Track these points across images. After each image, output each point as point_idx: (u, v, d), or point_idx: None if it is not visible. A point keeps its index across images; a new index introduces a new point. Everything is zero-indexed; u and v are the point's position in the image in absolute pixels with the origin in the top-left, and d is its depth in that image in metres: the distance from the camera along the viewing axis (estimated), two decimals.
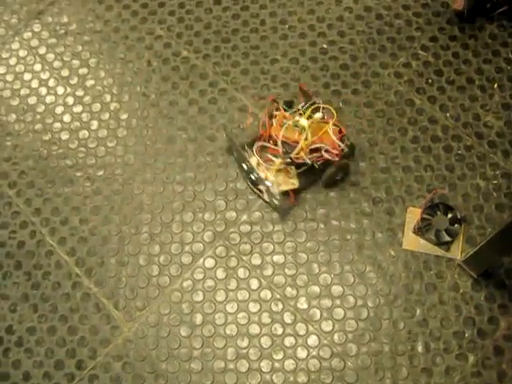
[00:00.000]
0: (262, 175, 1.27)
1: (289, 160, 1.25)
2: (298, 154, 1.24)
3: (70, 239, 1.33)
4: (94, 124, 1.42)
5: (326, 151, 1.25)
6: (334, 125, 1.26)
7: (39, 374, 1.24)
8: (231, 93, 1.41)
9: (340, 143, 1.25)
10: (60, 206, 1.35)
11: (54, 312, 1.28)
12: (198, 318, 1.24)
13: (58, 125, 1.43)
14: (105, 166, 1.38)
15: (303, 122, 1.26)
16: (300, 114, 1.28)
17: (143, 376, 1.22)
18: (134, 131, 1.40)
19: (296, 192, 1.28)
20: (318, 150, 1.26)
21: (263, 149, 1.29)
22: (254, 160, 1.28)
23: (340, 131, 1.27)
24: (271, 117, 1.29)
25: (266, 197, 1.29)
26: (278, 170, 1.28)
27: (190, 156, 1.36)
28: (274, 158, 1.28)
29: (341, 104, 1.37)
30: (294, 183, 1.28)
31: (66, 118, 1.43)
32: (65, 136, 1.41)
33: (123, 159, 1.38)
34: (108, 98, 1.44)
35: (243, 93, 1.40)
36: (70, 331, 1.26)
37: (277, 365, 1.20)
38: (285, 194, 1.28)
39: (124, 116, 1.41)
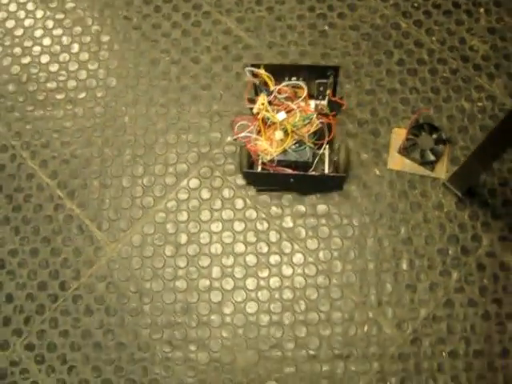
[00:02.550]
0: None
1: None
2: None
3: (52, 162, 1.30)
4: (75, 47, 1.38)
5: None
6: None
7: (22, 295, 1.23)
8: (215, 16, 1.38)
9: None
10: (41, 130, 1.33)
11: (36, 234, 1.27)
12: (183, 238, 1.24)
13: (37, 48, 1.39)
14: (86, 89, 1.35)
15: (280, 116, 1.18)
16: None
17: (127, 295, 1.21)
18: (116, 54, 1.37)
19: None
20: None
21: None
22: None
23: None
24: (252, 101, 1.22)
25: None
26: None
27: (173, 78, 1.34)
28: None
29: (326, 27, 1.35)
30: None
31: (46, 41, 1.39)
32: (45, 59, 1.38)
33: (105, 82, 1.35)
34: (89, 21, 1.40)
35: (227, 16, 1.38)
36: (53, 253, 1.25)
37: (262, 283, 1.20)
38: None
39: (105, 39, 1.38)
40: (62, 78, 1.36)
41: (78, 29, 1.39)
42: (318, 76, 1.18)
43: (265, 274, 1.21)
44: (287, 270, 1.21)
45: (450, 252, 1.21)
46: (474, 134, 1.27)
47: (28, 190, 1.29)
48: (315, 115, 1.18)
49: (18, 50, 1.39)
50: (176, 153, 1.29)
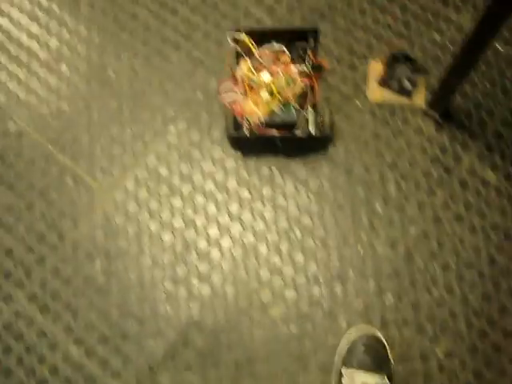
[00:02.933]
0: None
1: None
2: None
3: (40, 119, 1.32)
4: (55, 8, 1.41)
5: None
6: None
7: (21, 248, 1.25)
8: None
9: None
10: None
11: (30, 189, 1.28)
12: (176, 179, 1.27)
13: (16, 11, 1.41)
14: (69, 46, 1.37)
15: (265, 77, 1.22)
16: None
17: (127, 238, 1.24)
18: (96, 13, 1.40)
19: None
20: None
21: None
22: None
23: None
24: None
25: None
26: None
27: (154, 30, 1.38)
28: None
29: None
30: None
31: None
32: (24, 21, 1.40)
33: (87, 38, 1.38)
34: None
35: None
36: (49, 206, 1.27)
37: (257, 215, 1.25)
38: None
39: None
40: (43, 38, 1.38)
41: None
42: (299, 39, 1.24)
43: (259, 206, 1.25)
44: (281, 200, 1.25)
45: (433, 173, 1.27)
46: (447, 63, 1.31)
47: (19, 148, 1.31)
48: (298, 77, 1.22)
49: None
50: (164, 97, 1.32)
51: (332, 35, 1.35)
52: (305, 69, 1.24)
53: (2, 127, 1.32)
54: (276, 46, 1.24)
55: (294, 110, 1.22)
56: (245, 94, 1.22)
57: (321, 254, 1.22)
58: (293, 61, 1.25)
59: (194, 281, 1.21)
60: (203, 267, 1.22)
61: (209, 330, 1.19)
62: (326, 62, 1.27)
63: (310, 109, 1.23)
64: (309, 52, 1.24)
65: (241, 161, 1.28)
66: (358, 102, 1.31)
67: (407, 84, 1.30)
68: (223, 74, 1.29)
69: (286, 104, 1.22)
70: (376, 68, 1.32)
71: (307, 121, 1.23)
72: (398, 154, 1.28)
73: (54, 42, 1.37)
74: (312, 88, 1.24)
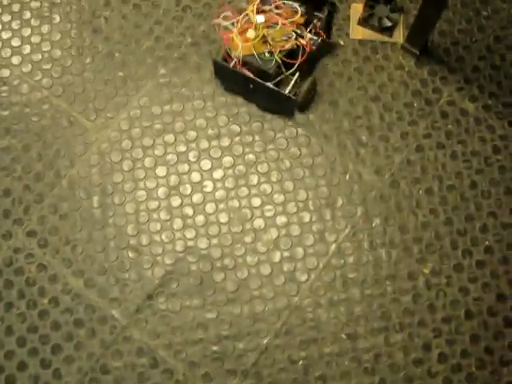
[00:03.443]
0: None
1: None
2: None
3: (35, 65, 1.37)
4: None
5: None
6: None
7: (19, 187, 1.29)
8: None
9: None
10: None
11: (26, 132, 1.32)
12: (175, 107, 1.32)
13: None
14: None
15: (258, 18, 1.24)
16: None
17: (122, 174, 1.28)
18: None
19: None
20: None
21: None
22: None
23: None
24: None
25: None
26: None
27: None
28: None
29: None
30: None
31: None
32: None
33: None
34: None
35: None
36: (45, 147, 1.31)
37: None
38: None
39: None
40: None
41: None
42: (316, 8, 1.28)
43: (249, 139, 1.30)
44: (270, 133, 1.30)
45: (415, 104, 1.32)
46: None
47: (14, 92, 1.35)
48: (294, 35, 1.25)
49: None
50: (153, 42, 1.37)
51: None
52: (310, 35, 1.28)
53: None
54: (292, 3, 1.27)
55: (274, 63, 1.25)
56: (238, 26, 1.26)
57: (310, 182, 1.27)
58: (306, 25, 1.28)
59: (188, 211, 1.26)
60: (196, 198, 1.26)
61: (204, 256, 1.23)
62: (324, 35, 1.30)
63: (293, 73, 1.27)
64: (315, 22, 1.29)
65: (230, 99, 1.33)
66: (340, 41, 1.37)
67: (387, 22, 1.36)
68: (210, 19, 1.35)
69: (271, 53, 1.26)
70: (357, 8, 1.38)
71: (282, 79, 1.27)
72: (380, 88, 1.33)
73: None
74: (304, 51, 1.27)
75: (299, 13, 1.26)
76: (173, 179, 1.28)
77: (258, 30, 1.25)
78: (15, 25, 1.40)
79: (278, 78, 1.26)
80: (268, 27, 1.24)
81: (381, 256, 1.23)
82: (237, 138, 1.30)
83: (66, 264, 1.24)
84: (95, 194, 1.27)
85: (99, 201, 1.27)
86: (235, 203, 1.26)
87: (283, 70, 1.26)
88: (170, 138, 1.30)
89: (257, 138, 1.30)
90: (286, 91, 1.26)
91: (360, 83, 1.34)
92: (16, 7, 1.41)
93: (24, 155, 1.31)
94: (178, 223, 1.25)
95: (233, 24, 1.26)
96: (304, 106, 1.31)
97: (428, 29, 1.29)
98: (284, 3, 1.27)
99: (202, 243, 1.24)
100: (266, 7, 1.26)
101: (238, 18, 1.26)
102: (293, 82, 1.27)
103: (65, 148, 1.31)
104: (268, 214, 1.25)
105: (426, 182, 1.27)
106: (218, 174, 1.28)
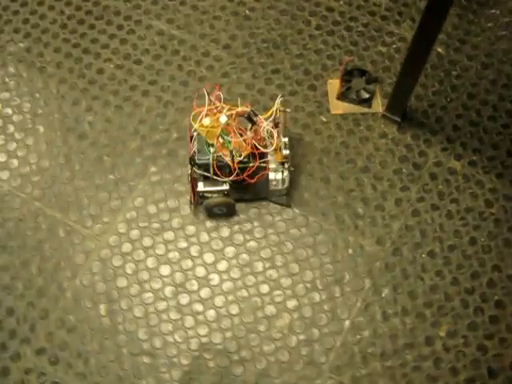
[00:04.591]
0: None
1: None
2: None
3: (26, 179, 1.36)
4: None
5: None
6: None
7: (22, 305, 1.26)
8: (147, 22, 1.52)
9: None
10: None
11: (23, 247, 1.30)
12: (171, 204, 1.32)
13: None
14: (44, 108, 1.43)
15: (222, 118, 1.21)
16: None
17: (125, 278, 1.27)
18: (61, 72, 1.47)
19: None
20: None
21: None
22: None
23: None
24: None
25: None
26: None
27: (122, 81, 1.45)
28: None
29: (247, 11, 1.51)
30: None
31: None
32: None
33: (59, 95, 1.44)
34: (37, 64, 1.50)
35: (158, 20, 1.52)
36: (44, 260, 1.29)
37: (248, 237, 1.30)
38: None
39: (49, 58, 1.48)
40: (15, 103, 1.44)
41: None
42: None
43: (249, 226, 1.31)
44: (268, 218, 1.31)
45: (404, 170, 1.35)
46: (396, 71, 1.44)
47: (6, 208, 1.34)
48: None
49: None
50: (140, 140, 1.38)
51: (288, 62, 1.45)
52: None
53: None
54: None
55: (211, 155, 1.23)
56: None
57: (314, 262, 1.28)
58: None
59: (198, 307, 1.25)
60: (204, 293, 1.26)
61: (220, 351, 1.22)
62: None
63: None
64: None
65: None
66: (322, 118, 1.40)
67: (364, 94, 1.40)
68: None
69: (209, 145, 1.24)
70: (334, 85, 1.42)
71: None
72: (368, 159, 1.36)
73: (26, 105, 1.43)
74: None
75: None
76: (178, 277, 1.27)
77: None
78: None
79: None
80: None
81: (395, 325, 1.23)
82: (236, 227, 1.30)
83: (81, 378, 1.21)
84: (101, 302, 1.25)
85: (106, 308, 1.25)
86: (244, 293, 1.26)
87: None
88: (169, 235, 1.30)
89: (256, 223, 1.31)
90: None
91: (348, 156, 1.36)
92: None
93: (24, 271, 1.29)
94: (189, 321, 1.24)
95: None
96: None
97: (406, 96, 1.34)
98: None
99: (216, 338, 1.22)
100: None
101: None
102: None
103: (64, 259, 1.29)
104: (278, 299, 1.25)
105: (426, 245, 1.29)
106: (222, 265, 1.28)
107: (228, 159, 1.23)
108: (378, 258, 1.28)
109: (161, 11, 1.52)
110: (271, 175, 1.29)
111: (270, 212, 1.32)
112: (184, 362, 1.21)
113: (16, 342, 1.24)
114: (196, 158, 1.25)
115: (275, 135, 1.25)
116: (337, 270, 1.27)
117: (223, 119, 1.19)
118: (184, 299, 1.25)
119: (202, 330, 1.23)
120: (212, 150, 1.23)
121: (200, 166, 1.25)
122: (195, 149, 1.25)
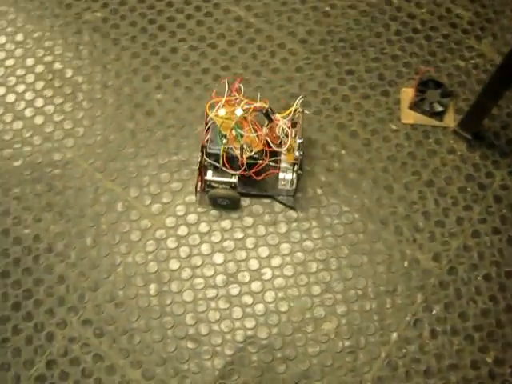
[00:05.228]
0: None
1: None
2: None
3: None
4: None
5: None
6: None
7: (73, 274, 1.27)
8: (224, 6, 1.50)
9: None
10: None
11: (80, 217, 1.31)
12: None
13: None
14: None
15: (238, 111, 1.20)
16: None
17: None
18: (136, 46, 1.46)
19: None
20: None
21: None
22: None
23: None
24: None
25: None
26: None
27: (194, 63, 1.44)
28: None
29: (327, 8, 1.50)
30: None
31: None
32: None
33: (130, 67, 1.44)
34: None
35: (237, 5, 1.50)
36: (99, 233, 1.30)
37: (304, 235, 1.29)
38: None
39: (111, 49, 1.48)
40: (87, 71, 1.44)
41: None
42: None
43: (307, 225, 1.30)
44: (327, 220, 1.30)
45: (468, 189, 1.33)
46: (472, 87, 1.42)
47: (67, 177, 1.34)
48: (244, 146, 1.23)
49: None
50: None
51: (363, 64, 1.43)
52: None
53: (49, 158, 1.36)
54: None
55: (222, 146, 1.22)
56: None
57: (368, 269, 1.27)
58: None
59: (247, 299, 1.24)
60: (255, 286, 1.25)
61: (264, 346, 1.21)
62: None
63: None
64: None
65: None
66: (392, 125, 1.38)
67: (438, 107, 1.38)
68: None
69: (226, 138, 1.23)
70: (407, 93, 1.40)
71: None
72: (433, 172, 1.34)
73: (97, 75, 1.43)
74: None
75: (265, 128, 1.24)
76: (230, 266, 1.27)
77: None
78: (68, 107, 1.40)
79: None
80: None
81: (443, 344, 1.22)
82: (294, 224, 1.30)
83: (124, 354, 1.21)
84: (152, 281, 1.26)
85: (156, 289, 1.25)
86: (295, 291, 1.25)
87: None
88: (226, 223, 1.30)
89: (314, 223, 1.30)
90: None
91: (414, 168, 1.35)
92: (68, 89, 1.42)
93: (78, 241, 1.29)
94: (237, 312, 1.24)
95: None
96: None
97: (483, 116, 1.31)
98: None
99: (263, 333, 1.22)
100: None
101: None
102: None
103: (120, 234, 1.30)
104: (328, 302, 1.24)
105: (483, 268, 1.27)
106: (276, 261, 1.27)
107: (238, 152, 1.23)
108: (432, 274, 1.26)
109: None
110: (281, 175, 1.29)
111: (329, 213, 1.31)
112: (227, 352, 1.21)
113: (63, 310, 1.25)
114: (208, 146, 1.25)
115: (290, 135, 1.24)
116: (390, 281, 1.26)
117: (239, 112, 1.19)
118: (234, 290, 1.25)
119: (249, 323, 1.23)
120: (224, 141, 1.23)
121: (211, 156, 1.25)
122: (208, 137, 1.25)
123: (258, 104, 1.21)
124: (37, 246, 1.29)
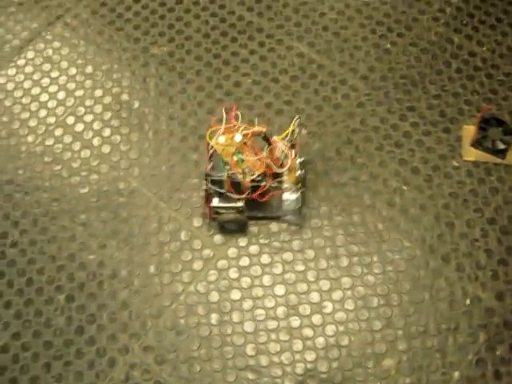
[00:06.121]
0: None
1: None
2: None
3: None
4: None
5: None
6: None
7: (136, 301, 1.29)
8: (288, 42, 1.54)
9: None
10: None
11: (144, 245, 1.34)
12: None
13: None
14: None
15: (237, 137, 1.22)
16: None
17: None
18: (202, 77, 1.51)
19: None
20: None
21: None
22: None
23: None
24: None
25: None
26: None
27: (257, 97, 1.48)
28: None
29: (388, 45, 1.52)
30: None
31: None
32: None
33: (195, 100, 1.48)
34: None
35: (299, 42, 1.54)
36: (163, 261, 1.32)
37: (365, 270, 1.30)
38: None
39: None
40: (152, 102, 1.48)
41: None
42: None
43: (368, 259, 1.30)
44: (388, 255, 1.31)
45: None
46: None
47: (132, 205, 1.38)
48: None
49: None
50: None
51: (425, 101, 1.45)
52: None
53: (115, 186, 1.40)
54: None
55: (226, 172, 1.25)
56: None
57: (430, 306, 1.26)
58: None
59: (308, 332, 1.25)
60: (316, 319, 1.26)
61: (324, 380, 1.21)
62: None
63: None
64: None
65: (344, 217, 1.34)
66: (454, 162, 1.39)
67: (500, 144, 1.38)
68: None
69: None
70: (469, 130, 1.41)
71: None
72: (496, 211, 1.34)
73: (164, 108, 1.47)
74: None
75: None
76: (292, 298, 1.28)
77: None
78: (134, 137, 1.45)
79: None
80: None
81: None
82: (355, 259, 1.30)
83: (184, 383, 1.23)
84: (213, 311, 1.27)
85: (217, 318, 1.27)
86: (355, 326, 1.25)
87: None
88: (288, 256, 1.31)
89: (375, 258, 1.30)
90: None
91: (476, 205, 1.34)
92: (135, 120, 1.46)
93: (142, 269, 1.32)
94: (297, 345, 1.24)
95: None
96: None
97: None
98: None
99: (323, 366, 1.22)
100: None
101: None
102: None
103: (183, 263, 1.32)
104: (389, 338, 1.24)
105: None
106: (337, 294, 1.28)
107: (241, 177, 1.26)
108: (496, 313, 1.25)
109: (303, 33, 1.54)
110: (285, 195, 1.32)
111: (390, 248, 1.31)
112: None
113: (126, 336, 1.27)
114: (211, 174, 1.28)
115: (290, 156, 1.28)
116: (452, 319, 1.25)
117: (238, 138, 1.22)
118: (295, 322, 1.26)
119: (309, 356, 1.23)
120: (227, 167, 1.26)
121: (215, 183, 1.28)
122: (211, 165, 1.29)
123: (256, 129, 1.24)
124: (101, 271, 1.32)
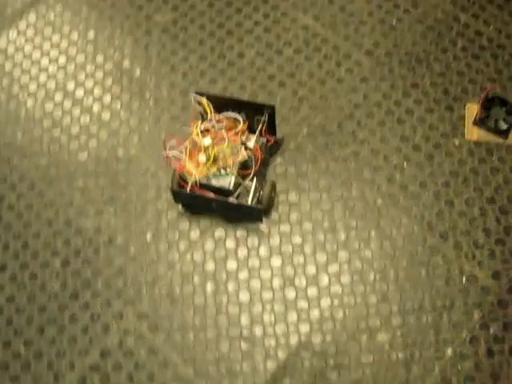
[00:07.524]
0: None
1: None
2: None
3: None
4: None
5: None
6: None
7: (132, 268, 1.29)
8: (292, 15, 1.52)
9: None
10: None
11: (142, 212, 1.34)
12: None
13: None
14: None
15: (205, 141, 1.22)
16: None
17: None
18: (205, 48, 1.49)
19: None
20: None
21: None
22: None
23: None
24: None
25: None
26: None
27: (261, 68, 1.46)
28: None
29: (394, 21, 1.50)
30: None
31: None
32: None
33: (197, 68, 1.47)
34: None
35: (304, 14, 1.52)
36: (160, 231, 1.32)
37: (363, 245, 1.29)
38: None
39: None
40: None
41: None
42: (259, 112, 1.26)
43: (365, 235, 1.30)
44: (386, 230, 1.30)
45: None
46: None
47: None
48: (241, 146, 1.24)
49: None
50: None
51: (429, 78, 1.44)
52: (263, 141, 1.29)
53: (113, 153, 1.39)
54: (231, 114, 1.25)
55: (231, 178, 1.24)
56: (187, 153, 1.23)
57: (426, 283, 1.26)
58: (252, 132, 1.28)
59: (303, 304, 1.25)
60: (311, 292, 1.26)
61: (317, 353, 1.21)
62: (271, 138, 1.31)
63: (250, 182, 1.26)
64: (261, 126, 1.27)
65: None
66: (455, 141, 1.38)
67: (503, 124, 1.37)
68: None
69: (226, 171, 1.24)
70: (472, 109, 1.40)
71: (248, 191, 1.27)
72: (496, 190, 1.33)
73: (165, 76, 1.46)
74: (257, 160, 1.26)
75: (241, 121, 1.25)
76: (288, 270, 1.27)
77: (207, 152, 1.22)
78: (135, 105, 1.43)
79: (238, 191, 1.26)
80: (216, 145, 1.23)
81: (500, 364, 1.20)
82: (353, 233, 1.30)
83: (178, 351, 1.23)
84: (209, 280, 1.27)
85: (213, 288, 1.27)
86: (351, 300, 1.25)
87: (241, 181, 1.26)
88: (285, 228, 1.31)
89: (373, 234, 1.30)
90: (250, 201, 1.26)
91: (476, 184, 1.34)
92: (136, 88, 1.45)
93: (138, 236, 1.32)
94: (292, 316, 1.24)
95: (181, 152, 1.24)
96: (268, 210, 1.31)
97: None
98: (223, 116, 1.25)
99: (317, 339, 1.22)
100: (208, 125, 1.24)
101: (185, 143, 1.23)
102: (253, 192, 1.26)
103: (180, 232, 1.31)
104: (384, 312, 1.24)
105: None
106: (333, 268, 1.27)
107: (224, 172, 1.24)
108: (491, 292, 1.25)
109: (308, 6, 1.52)
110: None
111: (388, 224, 1.31)
112: (281, 355, 1.21)
113: (120, 303, 1.27)
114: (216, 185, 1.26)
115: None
116: (447, 296, 1.25)
117: (207, 141, 1.21)
118: (291, 294, 1.26)
119: (304, 328, 1.23)
120: (223, 172, 1.24)
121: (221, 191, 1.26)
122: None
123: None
124: (97, 237, 1.32)
